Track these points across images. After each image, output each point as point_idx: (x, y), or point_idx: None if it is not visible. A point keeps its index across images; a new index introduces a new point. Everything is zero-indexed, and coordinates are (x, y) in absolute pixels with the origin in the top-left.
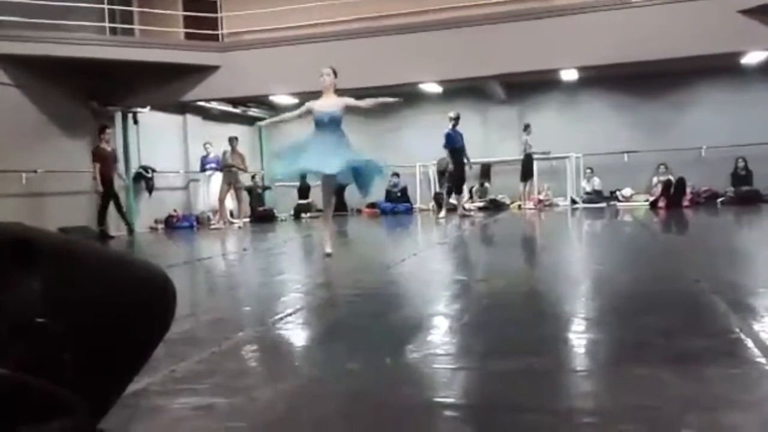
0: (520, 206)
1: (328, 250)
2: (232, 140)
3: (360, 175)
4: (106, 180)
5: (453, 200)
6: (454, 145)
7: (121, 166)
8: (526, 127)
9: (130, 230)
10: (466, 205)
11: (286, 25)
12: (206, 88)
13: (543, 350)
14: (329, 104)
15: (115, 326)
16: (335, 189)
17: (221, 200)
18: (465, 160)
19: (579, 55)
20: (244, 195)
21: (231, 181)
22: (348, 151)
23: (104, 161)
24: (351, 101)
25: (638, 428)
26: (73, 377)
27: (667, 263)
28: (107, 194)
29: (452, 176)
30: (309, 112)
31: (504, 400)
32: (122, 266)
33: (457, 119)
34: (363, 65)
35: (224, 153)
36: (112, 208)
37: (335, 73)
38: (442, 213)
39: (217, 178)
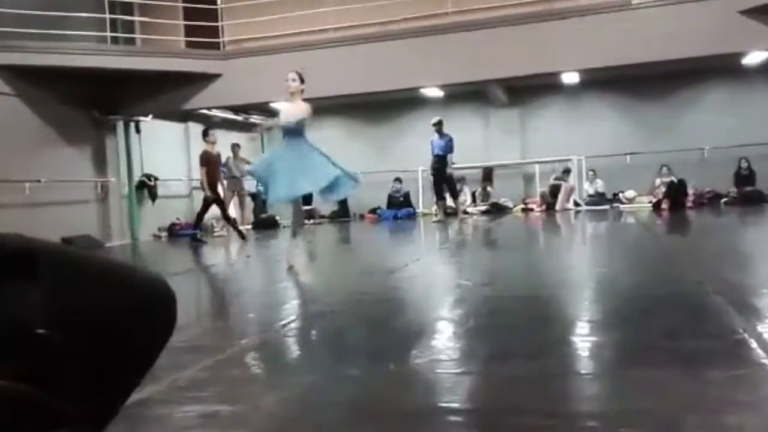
0: (523, 209)
1: (293, 262)
2: (235, 147)
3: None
4: (213, 184)
5: (450, 202)
6: (432, 152)
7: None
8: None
9: (242, 237)
10: (469, 209)
11: (287, 32)
12: (208, 96)
13: (547, 354)
14: (294, 112)
15: (117, 336)
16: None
17: (225, 210)
18: (446, 166)
19: (580, 57)
20: (248, 201)
21: (235, 189)
22: (315, 168)
23: (210, 164)
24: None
25: (642, 431)
26: (74, 387)
27: (670, 265)
28: (213, 199)
29: (438, 182)
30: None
31: (508, 404)
32: (123, 276)
33: (436, 124)
34: (365, 70)
35: (227, 159)
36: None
37: (301, 79)
38: (440, 216)
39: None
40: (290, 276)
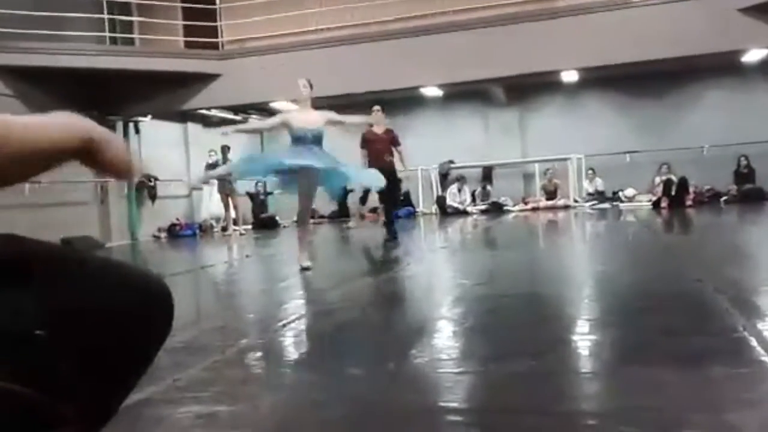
0: (522, 210)
1: (306, 263)
2: (225, 149)
3: (333, 178)
4: (375, 167)
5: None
6: None
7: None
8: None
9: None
10: (469, 209)
11: (286, 32)
12: (207, 97)
13: (546, 352)
14: (312, 120)
15: (114, 335)
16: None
17: (226, 209)
18: None
19: (580, 56)
20: (245, 201)
21: (225, 191)
22: (329, 157)
23: (371, 146)
24: (334, 116)
25: (641, 430)
26: (72, 387)
27: (670, 263)
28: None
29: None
30: (284, 125)
31: (507, 403)
32: (120, 276)
33: None
34: (364, 70)
35: (217, 161)
36: None
37: (311, 85)
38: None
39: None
40: (293, 274)
